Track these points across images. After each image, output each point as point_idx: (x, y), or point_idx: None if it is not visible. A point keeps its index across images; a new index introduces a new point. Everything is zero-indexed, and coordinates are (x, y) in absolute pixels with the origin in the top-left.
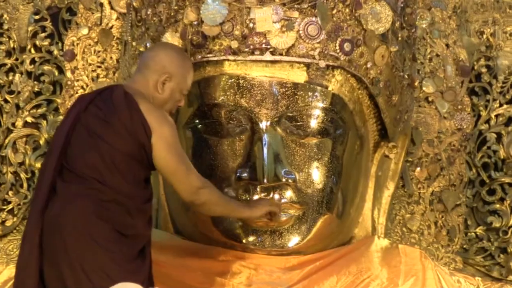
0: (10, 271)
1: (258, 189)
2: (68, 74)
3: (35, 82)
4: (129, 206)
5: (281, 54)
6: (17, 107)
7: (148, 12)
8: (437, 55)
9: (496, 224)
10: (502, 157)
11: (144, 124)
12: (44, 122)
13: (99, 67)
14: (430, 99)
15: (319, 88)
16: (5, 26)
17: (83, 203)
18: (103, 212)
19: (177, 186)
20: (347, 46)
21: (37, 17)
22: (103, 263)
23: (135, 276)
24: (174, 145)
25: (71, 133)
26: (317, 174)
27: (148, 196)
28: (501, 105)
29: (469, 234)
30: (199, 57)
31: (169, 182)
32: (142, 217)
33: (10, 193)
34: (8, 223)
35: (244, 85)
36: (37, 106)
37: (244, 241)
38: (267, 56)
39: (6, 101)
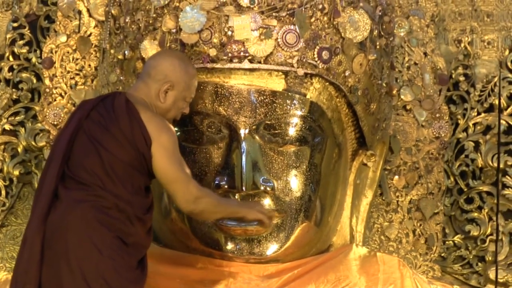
0: None
1: (236, 197)
2: (47, 81)
3: (13, 90)
4: (130, 214)
5: (259, 62)
6: None
7: (127, 20)
8: (415, 64)
9: (474, 233)
10: (480, 165)
11: (144, 133)
12: (22, 130)
13: (78, 74)
14: (408, 107)
15: (297, 96)
16: None
17: (85, 209)
18: (105, 219)
19: (176, 195)
20: (325, 54)
21: (15, 24)
22: (103, 270)
23: (134, 286)
24: (173, 154)
25: (73, 139)
26: (295, 182)
27: (148, 205)
28: (479, 113)
29: (447, 242)
30: None
31: (167, 191)
32: (143, 226)
33: None
34: None
35: (223, 93)
36: (15, 114)
37: (222, 249)
38: (246, 64)
39: None
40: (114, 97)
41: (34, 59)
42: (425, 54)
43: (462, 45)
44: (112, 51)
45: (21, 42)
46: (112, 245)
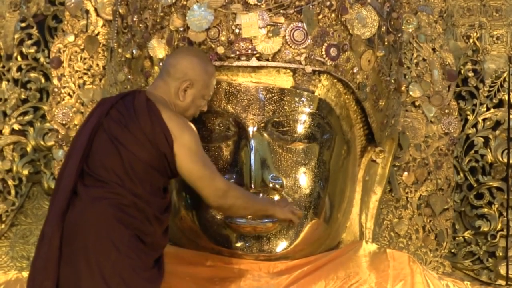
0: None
1: None
2: (55, 81)
3: (22, 89)
4: (148, 213)
5: (267, 60)
6: (4, 114)
7: (134, 19)
8: (424, 60)
9: (484, 228)
10: (489, 161)
11: (165, 133)
12: (31, 129)
13: (86, 74)
14: (417, 103)
15: (305, 93)
16: None
17: (104, 207)
18: (124, 217)
19: (203, 191)
20: (333, 51)
21: (23, 24)
22: (121, 269)
23: (151, 285)
24: (196, 152)
25: (92, 137)
26: (304, 179)
27: (166, 206)
28: (488, 109)
29: (457, 238)
30: None
31: (195, 189)
32: (160, 226)
33: None
34: None
35: (231, 90)
36: (24, 113)
37: (232, 246)
38: (253, 62)
39: None
40: (134, 95)
41: (42, 59)
42: (434, 50)
43: (471, 40)
44: (120, 50)
45: (29, 42)
46: (130, 243)
